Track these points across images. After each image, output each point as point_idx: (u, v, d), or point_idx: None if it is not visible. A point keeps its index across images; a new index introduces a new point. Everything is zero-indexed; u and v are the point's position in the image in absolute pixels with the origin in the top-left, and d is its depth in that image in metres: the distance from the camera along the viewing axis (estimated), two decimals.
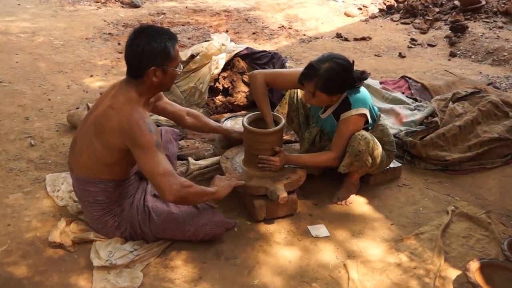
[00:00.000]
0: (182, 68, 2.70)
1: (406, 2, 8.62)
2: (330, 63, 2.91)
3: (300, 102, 3.47)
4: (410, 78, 4.98)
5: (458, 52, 6.73)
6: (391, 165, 3.52)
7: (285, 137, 3.90)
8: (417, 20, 8.11)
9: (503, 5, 8.13)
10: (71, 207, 3.02)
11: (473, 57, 6.58)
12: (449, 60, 6.51)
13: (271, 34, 7.49)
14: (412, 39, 7.29)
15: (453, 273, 2.68)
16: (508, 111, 4.15)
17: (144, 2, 8.97)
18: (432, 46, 7.07)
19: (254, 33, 7.44)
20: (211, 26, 7.70)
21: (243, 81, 4.59)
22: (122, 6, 8.75)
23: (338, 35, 7.50)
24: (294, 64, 5.94)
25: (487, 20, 7.86)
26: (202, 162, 3.53)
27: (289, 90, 3.50)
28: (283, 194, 2.91)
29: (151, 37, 2.46)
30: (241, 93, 4.56)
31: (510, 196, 3.44)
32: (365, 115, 3.06)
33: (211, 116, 4.47)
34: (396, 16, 8.44)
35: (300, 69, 3.05)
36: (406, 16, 8.38)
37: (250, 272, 2.65)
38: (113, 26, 7.55)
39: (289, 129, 3.92)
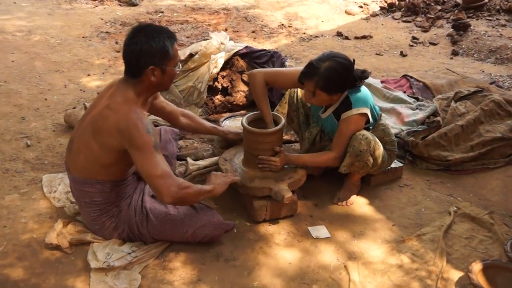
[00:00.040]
0: (181, 67, 2.70)
1: (407, 0, 8.63)
2: (331, 62, 2.91)
3: (300, 101, 3.47)
4: (411, 77, 4.98)
5: (461, 51, 6.74)
6: (393, 165, 3.52)
7: (285, 137, 3.91)
8: (418, 18, 8.12)
9: (506, 2, 8.14)
10: (68, 208, 3.02)
11: (475, 55, 6.58)
12: (451, 58, 6.51)
13: (270, 33, 7.49)
14: (414, 38, 7.30)
15: (455, 274, 2.68)
16: (511, 110, 4.15)
17: (142, 0, 8.97)
18: (434, 44, 7.07)
19: (253, 32, 7.45)
20: (210, 25, 7.70)
21: (243, 80, 4.59)
22: (120, 4, 8.75)
23: (339, 34, 7.50)
24: (294, 63, 5.95)
25: (490, 18, 7.87)
26: (201, 163, 3.53)
27: (289, 90, 3.50)
28: (288, 194, 2.92)
29: (150, 36, 2.45)
30: (240, 93, 4.56)
31: None
32: (366, 114, 3.06)
33: (210, 115, 4.47)
34: (398, 14, 8.44)
35: (300, 68, 3.05)
36: (407, 14, 8.38)
37: (250, 274, 2.66)
38: (110, 24, 7.55)
39: (289, 129, 3.92)
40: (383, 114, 3.46)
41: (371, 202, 3.34)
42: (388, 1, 8.88)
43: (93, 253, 2.68)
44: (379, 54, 6.65)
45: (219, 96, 4.57)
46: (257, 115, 3.27)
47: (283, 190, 2.94)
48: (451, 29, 7.37)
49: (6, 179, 3.42)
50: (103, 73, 5.55)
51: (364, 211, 3.25)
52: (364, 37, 7.35)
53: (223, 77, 4.55)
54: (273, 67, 4.54)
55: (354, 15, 8.61)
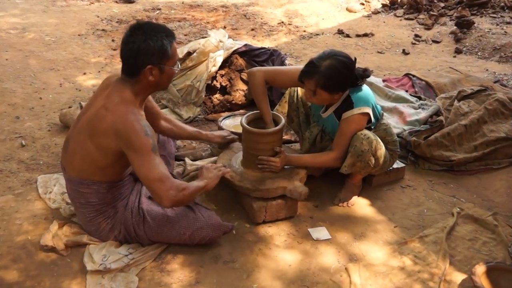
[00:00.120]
0: (179, 66, 2.69)
1: None
2: (332, 60, 2.91)
3: (301, 100, 3.48)
4: (414, 76, 4.99)
5: (464, 49, 6.74)
6: (395, 166, 3.53)
7: (285, 137, 3.92)
8: (421, 16, 8.13)
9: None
10: (64, 209, 3.02)
11: (479, 53, 6.59)
12: (455, 57, 6.52)
13: (270, 31, 7.50)
14: (416, 35, 7.31)
15: (458, 277, 2.68)
16: None
17: None
18: (437, 42, 7.08)
19: (252, 30, 7.45)
20: (208, 22, 7.71)
21: (242, 79, 4.60)
22: (116, 2, 8.76)
23: (340, 31, 7.51)
24: (294, 61, 5.96)
25: (494, 15, 7.88)
26: (199, 163, 3.54)
27: (289, 89, 3.51)
28: (305, 190, 2.99)
29: (148, 35, 2.45)
30: (239, 92, 4.57)
31: None
32: (367, 114, 3.07)
33: (208, 115, 4.48)
34: (400, 12, 8.45)
35: (301, 66, 3.05)
36: (410, 11, 8.39)
37: (249, 276, 2.66)
38: (106, 22, 7.56)
39: (289, 129, 3.93)
40: (385, 114, 3.46)
41: (372, 203, 3.34)
42: None
43: (89, 255, 2.68)
44: (380, 52, 6.66)
45: (217, 95, 4.58)
46: (256, 115, 3.27)
47: (298, 187, 3.00)
48: (455, 27, 7.38)
49: (0, 180, 3.43)
50: (99, 71, 5.56)
51: (366, 212, 3.26)
52: (365, 35, 7.35)
53: (222, 75, 4.56)
54: (273, 65, 4.55)
55: (355, 12, 8.62)
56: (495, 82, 5.08)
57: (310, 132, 3.43)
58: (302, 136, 3.56)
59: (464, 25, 7.25)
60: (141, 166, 2.44)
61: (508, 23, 7.56)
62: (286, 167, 3.20)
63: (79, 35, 6.89)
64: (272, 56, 4.68)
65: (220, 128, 3.88)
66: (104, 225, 2.72)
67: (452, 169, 3.73)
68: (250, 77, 3.32)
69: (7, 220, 3.01)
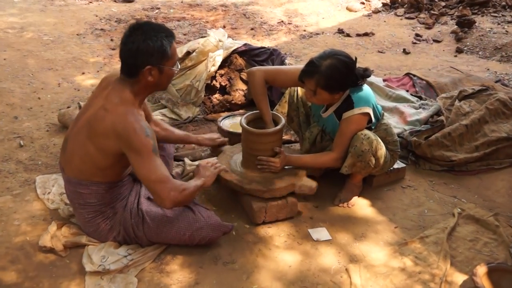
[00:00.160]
0: (179, 66, 2.69)
1: None
2: (332, 60, 2.92)
3: (301, 100, 3.48)
4: (414, 75, 5.00)
5: (465, 48, 6.75)
6: (395, 166, 3.53)
7: (285, 137, 3.92)
8: (422, 15, 8.13)
9: None
10: (63, 210, 3.02)
11: (480, 53, 6.59)
12: (456, 56, 6.52)
13: (270, 30, 7.50)
14: (417, 35, 7.31)
15: (459, 278, 2.69)
16: None
17: None
18: (438, 42, 7.08)
19: (252, 29, 7.46)
20: (207, 22, 7.71)
21: (241, 79, 4.60)
22: (115, 1, 8.77)
23: (340, 31, 7.51)
24: (294, 61, 5.96)
25: (495, 14, 7.89)
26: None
27: (289, 88, 3.51)
28: (314, 184, 3.07)
29: (147, 35, 2.45)
30: (239, 91, 4.57)
31: None
32: (368, 114, 3.07)
33: (207, 115, 4.48)
34: (400, 11, 8.46)
35: (301, 66, 3.06)
36: (410, 10, 8.40)
37: (249, 277, 2.66)
38: (105, 21, 7.56)
39: (289, 129, 3.93)
40: (385, 114, 3.47)
41: (373, 203, 3.35)
42: None
43: (88, 256, 2.68)
44: (381, 52, 6.67)
45: (217, 95, 4.58)
46: (256, 115, 3.28)
47: (307, 182, 3.05)
48: (455, 26, 7.38)
49: None
50: (98, 71, 5.56)
51: (366, 212, 3.26)
52: (366, 34, 7.36)
53: (221, 75, 4.56)
54: (273, 65, 4.55)
55: (355, 11, 8.62)
56: (496, 81, 5.08)
57: (310, 132, 3.43)
58: (302, 136, 3.56)
59: (465, 24, 7.25)
60: (141, 167, 2.44)
61: (510, 22, 7.57)
62: (286, 167, 3.20)
63: (77, 34, 6.89)
64: (272, 55, 4.68)
65: (220, 128, 3.89)
66: (103, 226, 2.73)
67: (453, 169, 3.74)
68: (249, 77, 3.33)
69: (5, 221, 3.01)
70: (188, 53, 4.52)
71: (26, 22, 7.27)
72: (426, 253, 2.84)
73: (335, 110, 3.15)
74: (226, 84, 4.56)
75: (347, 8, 8.73)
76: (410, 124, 4.07)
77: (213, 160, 3.08)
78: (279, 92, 4.34)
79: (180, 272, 2.68)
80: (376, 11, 8.61)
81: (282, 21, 7.94)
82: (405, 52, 6.61)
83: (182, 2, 8.80)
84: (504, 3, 8.22)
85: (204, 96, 4.50)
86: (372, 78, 4.70)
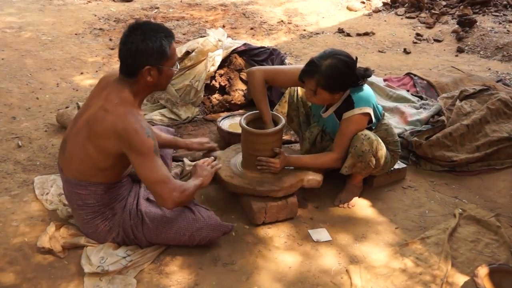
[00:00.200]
0: (178, 67, 2.70)
1: None
2: (332, 60, 2.92)
3: (301, 100, 3.48)
4: (415, 75, 5.00)
5: (466, 48, 6.75)
6: (396, 166, 3.53)
7: (285, 137, 3.92)
8: (422, 14, 8.13)
9: None
10: (61, 211, 3.02)
11: (481, 52, 6.59)
12: (457, 56, 6.52)
13: (269, 29, 7.50)
14: (418, 34, 7.31)
15: (460, 279, 2.69)
16: None
17: None
18: (439, 41, 7.08)
19: (252, 28, 7.46)
20: (207, 21, 7.71)
21: (241, 79, 4.60)
22: (114, 0, 8.76)
23: (340, 30, 7.51)
24: (293, 60, 5.96)
25: (497, 13, 7.88)
26: None
27: (288, 88, 3.51)
28: (321, 177, 3.18)
29: (146, 35, 2.45)
30: (238, 91, 4.57)
31: None
32: (368, 114, 3.07)
33: (207, 115, 4.48)
34: (401, 10, 8.45)
35: (301, 66, 3.06)
36: (411, 10, 8.39)
37: (249, 278, 2.67)
38: (104, 21, 7.56)
39: (289, 129, 3.93)
40: (386, 114, 3.47)
41: (373, 204, 3.35)
42: None
43: (87, 257, 2.68)
44: (381, 52, 6.67)
45: (216, 95, 4.58)
46: (256, 115, 3.28)
47: (315, 175, 3.15)
48: (456, 26, 7.38)
49: None
50: (97, 71, 5.56)
51: (366, 213, 3.26)
52: (366, 33, 7.36)
53: (221, 75, 4.56)
54: (273, 64, 4.55)
55: (356, 11, 8.61)
56: (497, 81, 5.09)
57: (310, 132, 3.43)
58: (302, 136, 3.56)
59: (466, 24, 7.25)
60: (143, 168, 2.45)
61: (511, 21, 7.56)
62: (285, 168, 3.20)
63: (76, 34, 6.89)
64: (271, 55, 4.68)
65: (219, 128, 3.89)
66: (102, 227, 2.73)
67: (454, 169, 3.74)
68: (249, 77, 3.33)
69: (3, 221, 3.01)
70: (187, 53, 4.52)
71: (24, 22, 7.27)
72: (427, 254, 2.84)
73: (335, 110, 3.15)
74: (226, 84, 4.56)
75: (348, 8, 8.73)
76: (411, 124, 4.07)
77: (209, 159, 3.07)
78: (279, 92, 4.34)
79: (180, 273, 2.68)
80: (377, 11, 8.61)
81: (282, 21, 7.93)
82: (406, 51, 6.61)
83: (181, 1, 8.80)
84: (505, 2, 8.22)
85: (204, 96, 4.50)
86: (372, 78, 4.70)
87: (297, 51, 6.54)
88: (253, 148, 3.12)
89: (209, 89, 4.56)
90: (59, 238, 2.80)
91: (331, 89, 2.96)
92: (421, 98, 4.54)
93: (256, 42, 6.62)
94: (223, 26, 7.39)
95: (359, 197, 3.37)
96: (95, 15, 7.80)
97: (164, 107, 4.48)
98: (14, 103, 4.64)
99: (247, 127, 3.11)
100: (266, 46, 5.03)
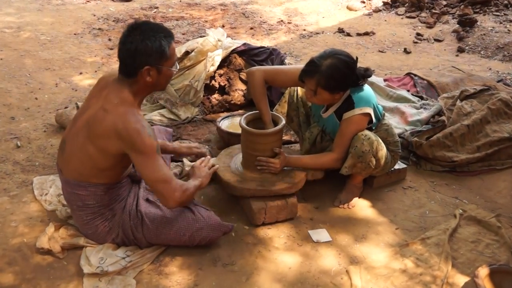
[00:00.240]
0: (178, 67, 2.70)
1: None
2: (333, 59, 2.92)
3: (301, 100, 3.48)
4: (415, 75, 5.00)
5: (467, 47, 6.75)
6: (396, 167, 3.53)
7: (285, 138, 3.92)
8: (423, 14, 8.13)
9: None
10: (60, 211, 3.03)
11: (482, 52, 6.60)
12: (457, 55, 6.53)
13: (269, 29, 7.50)
14: (418, 34, 7.31)
15: (461, 279, 2.69)
16: None
17: None
18: (439, 41, 7.09)
19: (251, 28, 7.46)
20: (206, 21, 7.71)
21: (241, 79, 4.60)
22: (113, 0, 8.76)
23: (340, 30, 7.51)
24: (293, 60, 5.96)
25: (497, 13, 7.89)
26: None
27: (288, 88, 3.52)
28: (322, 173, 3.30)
29: (146, 35, 2.45)
30: (238, 92, 4.57)
31: None
32: (369, 114, 3.07)
33: (206, 115, 4.48)
34: (401, 10, 8.45)
35: (301, 66, 3.06)
36: (411, 9, 8.40)
37: (248, 279, 2.67)
38: (103, 21, 7.56)
39: (289, 129, 3.93)
40: (386, 114, 3.47)
41: (373, 204, 3.35)
42: None
43: (86, 258, 2.69)
44: (382, 51, 6.67)
45: (216, 95, 4.58)
46: (255, 115, 3.28)
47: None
48: (457, 25, 7.38)
49: None
50: (96, 71, 5.56)
51: (367, 214, 3.27)
52: (366, 33, 7.36)
53: (221, 75, 4.56)
54: (272, 64, 4.55)
55: (356, 10, 8.61)
56: (498, 81, 5.09)
57: (310, 132, 3.44)
58: (302, 137, 3.56)
59: (466, 24, 7.25)
60: (145, 167, 2.46)
61: None
62: (285, 168, 3.20)
63: (75, 34, 6.89)
64: (271, 55, 4.69)
65: (219, 129, 3.89)
66: (102, 228, 2.73)
67: (455, 170, 3.74)
68: (249, 77, 3.33)
69: (2, 222, 3.02)
70: (186, 53, 4.53)
71: (23, 22, 7.27)
72: (427, 255, 2.85)
73: (335, 110, 3.16)
74: (225, 84, 4.57)
75: (348, 7, 8.73)
76: (411, 124, 4.08)
77: (206, 159, 3.07)
78: (278, 92, 4.34)
79: (179, 274, 2.68)
80: (377, 10, 8.61)
81: (281, 21, 7.94)
82: (406, 51, 6.61)
83: (180, 1, 8.80)
84: (506, 1, 8.22)
85: (203, 96, 4.50)
86: (372, 78, 4.70)
87: (297, 51, 6.54)
88: (253, 148, 3.12)
89: (209, 89, 4.56)
90: (58, 239, 2.81)
91: (331, 89, 2.96)
92: (421, 98, 4.54)
93: (255, 42, 6.62)
94: (223, 26, 7.39)
95: (359, 198, 3.38)
96: (94, 15, 7.81)
97: (163, 107, 4.48)
98: (13, 103, 4.64)
99: (247, 127, 3.11)
100: (265, 46, 5.04)
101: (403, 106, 4.37)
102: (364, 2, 8.88)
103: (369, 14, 8.47)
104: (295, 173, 3.18)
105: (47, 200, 3.19)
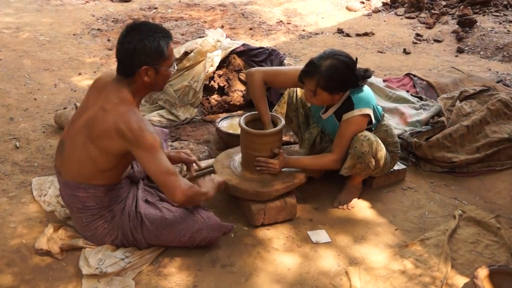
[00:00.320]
0: (176, 67, 2.71)
1: None
2: (332, 60, 2.92)
3: (300, 101, 3.48)
4: (415, 76, 5.00)
5: (466, 48, 6.76)
6: (395, 167, 3.54)
7: (284, 138, 3.92)
8: (422, 14, 8.15)
9: None
10: (59, 212, 3.03)
11: (481, 53, 6.60)
12: (457, 56, 6.53)
13: (268, 30, 7.51)
14: (418, 35, 7.32)
15: (460, 280, 2.69)
16: None
17: None
18: (439, 41, 7.09)
19: (251, 29, 7.46)
20: (205, 22, 7.72)
21: (240, 80, 4.60)
22: (112, 0, 8.77)
23: (340, 31, 7.52)
24: (293, 61, 5.97)
25: (497, 13, 7.90)
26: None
27: (288, 89, 3.52)
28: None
29: (144, 35, 2.46)
30: (237, 92, 4.57)
31: None
32: (368, 115, 3.07)
33: (206, 116, 4.48)
34: (401, 10, 8.47)
35: (300, 66, 3.06)
36: (411, 10, 8.41)
37: (247, 280, 2.67)
38: (102, 21, 7.56)
39: (288, 130, 3.93)
40: (385, 114, 3.47)
41: (373, 205, 3.35)
42: None
43: (85, 259, 2.69)
44: (381, 52, 6.68)
45: (215, 96, 4.58)
46: (254, 116, 3.28)
47: None
48: (456, 26, 7.39)
49: None
50: (95, 72, 5.56)
51: (366, 214, 3.27)
52: (365, 34, 7.37)
53: (220, 76, 4.57)
54: (272, 65, 4.56)
55: (355, 11, 8.63)
56: (497, 82, 5.10)
57: (310, 133, 3.44)
58: (301, 137, 3.56)
59: (466, 24, 7.26)
60: (151, 162, 2.46)
61: (511, 21, 7.57)
62: (285, 169, 3.20)
63: (74, 34, 6.89)
64: (270, 56, 4.69)
65: (218, 130, 3.89)
66: (101, 230, 2.73)
67: (454, 170, 3.74)
68: (248, 78, 3.33)
69: (1, 223, 3.02)
70: (186, 54, 4.53)
71: (22, 22, 7.27)
72: (426, 256, 2.85)
73: (335, 111, 3.16)
74: (225, 85, 4.57)
75: (347, 8, 8.74)
76: (411, 125, 4.08)
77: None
78: (278, 92, 4.35)
79: (178, 275, 2.68)
80: (376, 11, 8.62)
81: (281, 21, 7.94)
82: (406, 52, 6.62)
83: (180, 1, 8.81)
84: (505, 2, 8.24)
85: (202, 97, 4.50)
86: (372, 79, 4.70)
87: (296, 52, 6.54)
88: (252, 148, 3.11)
89: (208, 90, 4.56)
90: (57, 240, 2.81)
91: (331, 90, 2.96)
92: (420, 98, 4.55)
93: (255, 43, 6.63)
94: (222, 27, 7.40)
95: (358, 199, 3.38)
96: (93, 16, 7.81)
97: (162, 108, 4.48)
98: (12, 104, 4.64)
99: (246, 127, 3.11)
100: (265, 46, 5.04)
101: (402, 107, 4.37)
102: (363, 3, 8.89)
103: (368, 15, 8.48)
104: (294, 174, 3.17)
105: (46, 201, 3.19)
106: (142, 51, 2.45)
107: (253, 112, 3.30)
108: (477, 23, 7.34)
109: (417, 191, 3.51)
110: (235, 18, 7.99)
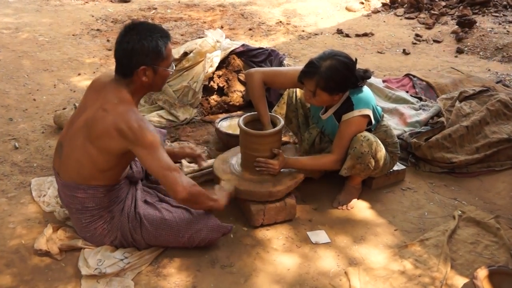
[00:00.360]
0: (174, 67, 2.71)
1: None
2: (332, 61, 2.92)
3: (299, 102, 3.48)
4: (414, 76, 5.00)
5: (466, 48, 6.76)
6: (395, 168, 3.54)
7: (284, 139, 3.92)
8: (422, 15, 8.15)
9: None
10: (58, 213, 3.02)
11: (481, 53, 6.61)
12: (456, 56, 6.54)
13: (268, 30, 7.51)
14: (417, 35, 7.32)
15: (460, 281, 2.69)
16: None
17: None
18: (438, 42, 7.10)
19: (250, 29, 7.47)
20: (205, 22, 7.72)
21: (239, 80, 4.60)
22: (111, 1, 8.77)
23: (339, 31, 7.52)
24: (292, 61, 5.96)
25: (497, 14, 7.91)
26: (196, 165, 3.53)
27: (287, 90, 3.52)
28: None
29: (142, 35, 2.46)
30: (237, 93, 4.57)
31: None
32: (368, 116, 3.07)
33: (205, 116, 4.48)
34: (400, 11, 8.47)
35: (300, 67, 3.06)
36: (410, 10, 8.41)
37: (247, 281, 2.67)
38: (101, 21, 7.57)
39: (288, 131, 3.93)
40: (385, 115, 3.47)
41: (372, 206, 3.35)
42: None
43: (84, 260, 2.69)
44: (380, 52, 6.68)
45: (214, 96, 4.58)
46: (254, 116, 3.28)
47: None
48: (456, 26, 7.40)
49: None
50: (94, 72, 5.56)
51: (365, 215, 3.27)
52: (365, 34, 7.37)
53: (219, 76, 4.56)
54: (271, 66, 4.56)
55: (354, 11, 8.63)
56: (497, 82, 5.10)
57: (309, 133, 3.44)
58: (301, 138, 3.56)
59: (465, 24, 7.27)
60: (152, 160, 2.47)
61: (511, 22, 7.58)
62: (284, 169, 3.20)
63: (73, 35, 6.89)
64: (270, 56, 4.69)
65: (217, 130, 3.89)
66: (100, 230, 2.72)
67: (454, 171, 3.75)
68: (248, 78, 3.33)
69: (0, 224, 3.01)
70: (185, 54, 4.53)
71: (21, 23, 7.27)
72: (426, 256, 2.85)
73: (334, 111, 3.16)
74: (224, 85, 4.57)
75: (346, 8, 8.75)
76: (410, 126, 4.08)
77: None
78: (277, 93, 4.35)
79: (177, 275, 2.68)
80: (376, 11, 8.62)
81: (280, 22, 7.94)
82: (405, 52, 6.62)
83: (179, 2, 8.81)
84: (505, 2, 8.24)
85: (202, 97, 4.50)
86: (371, 79, 4.69)
87: (296, 52, 6.54)
88: (252, 149, 3.11)
89: (207, 90, 4.56)
90: (56, 240, 2.81)
91: (331, 90, 2.96)
92: (420, 99, 4.55)
93: (254, 43, 6.63)
94: (221, 27, 7.40)
95: (358, 199, 3.38)
96: (93, 16, 7.81)
97: (162, 108, 4.48)
98: (11, 104, 4.64)
99: (246, 127, 3.11)
100: (264, 47, 5.04)
101: (402, 107, 4.37)
102: (363, 3, 8.89)
103: (368, 15, 8.48)
104: (294, 175, 3.18)
105: (45, 202, 3.19)
106: (140, 51, 2.45)
107: (252, 113, 3.30)
108: (477, 24, 7.35)
109: (417, 192, 3.52)
110: (235, 18, 7.99)
